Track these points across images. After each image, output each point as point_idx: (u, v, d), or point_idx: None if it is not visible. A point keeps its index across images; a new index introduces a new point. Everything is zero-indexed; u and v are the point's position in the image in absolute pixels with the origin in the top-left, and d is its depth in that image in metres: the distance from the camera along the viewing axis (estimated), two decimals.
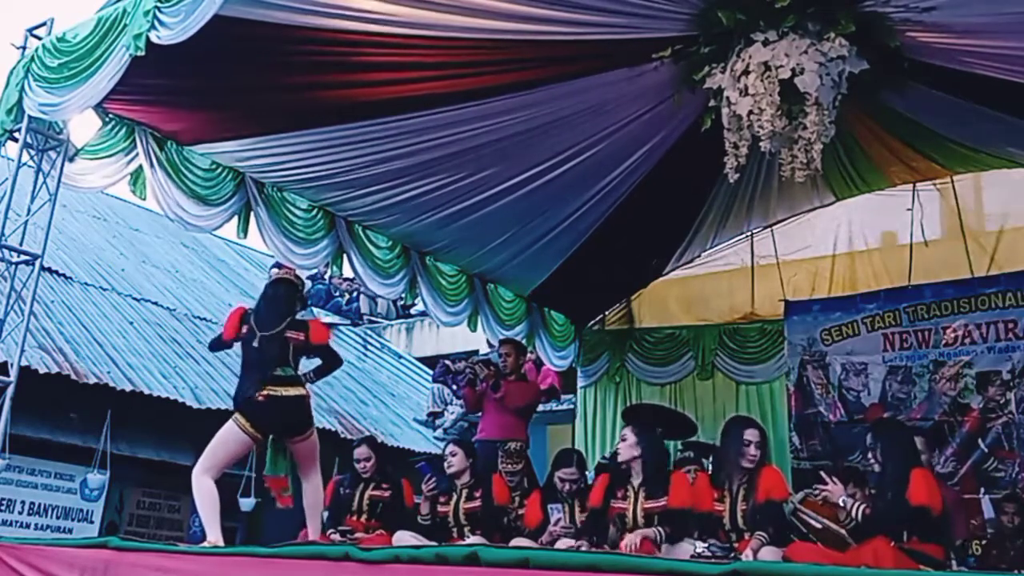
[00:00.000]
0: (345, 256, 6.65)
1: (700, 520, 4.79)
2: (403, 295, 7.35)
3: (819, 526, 4.91)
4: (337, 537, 5.24)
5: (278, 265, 5.99)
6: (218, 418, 9.04)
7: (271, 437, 5.06)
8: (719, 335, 7.90)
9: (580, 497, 5.48)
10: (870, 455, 4.70)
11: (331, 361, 5.35)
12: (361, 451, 5.91)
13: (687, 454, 6.23)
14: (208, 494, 4.72)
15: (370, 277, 6.83)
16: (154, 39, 4.34)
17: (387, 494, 5.76)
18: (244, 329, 5.04)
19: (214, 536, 4.60)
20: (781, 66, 4.48)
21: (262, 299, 5.27)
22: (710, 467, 5.65)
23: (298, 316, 5.27)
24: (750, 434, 4.79)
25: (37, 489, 8.26)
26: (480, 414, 7.17)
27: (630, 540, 4.53)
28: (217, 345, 5.44)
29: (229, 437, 4.85)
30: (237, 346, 5.18)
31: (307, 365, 5.30)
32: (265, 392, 4.85)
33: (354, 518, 5.68)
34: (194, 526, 9.31)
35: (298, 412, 5.01)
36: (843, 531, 4.79)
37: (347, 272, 7.78)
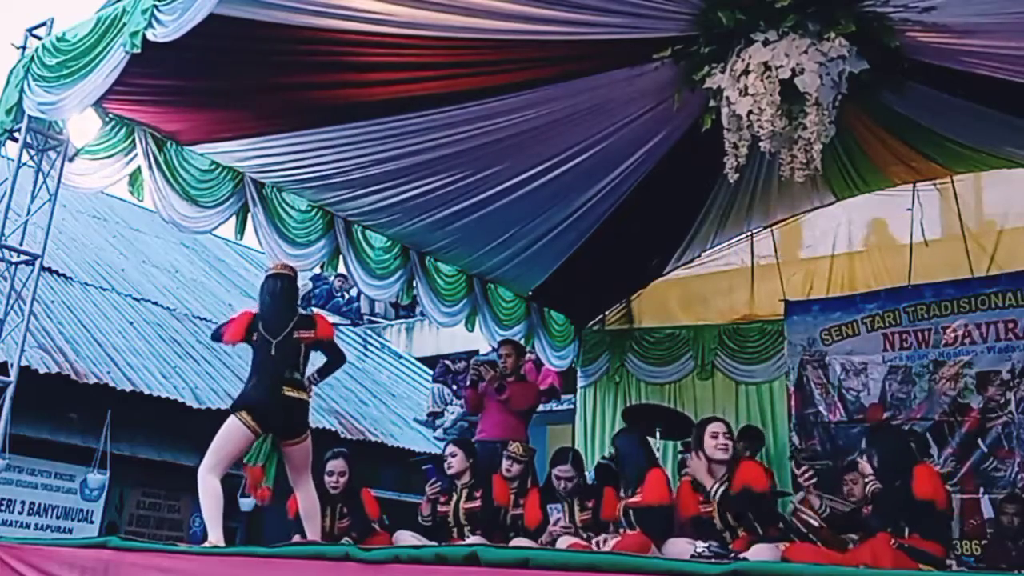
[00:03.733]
0: (341, 257, 6.65)
1: (693, 524, 4.79)
2: (399, 296, 7.34)
3: (818, 525, 4.92)
4: None
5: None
6: (218, 418, 8.98)
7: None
8: (719, 335, 7.90)
9: (579, 496, 5.47)
10: (865, 458, 4.73)
11: (337, 357, 5.25)
12: (337, 464, 5.59)
13: (687, 456, 6.24)
14: (213, 493, 4.68)
15: (364, 279, 6.83)
16: (150, 37, 4.34)
17: (346, 523, 5.51)
18: (255, 336, 4.93)
19: (215, 536, 4.58)
20: (781, 66, 4.48)
21: (266, 301, 5.08)
22: None
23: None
24: (714, 427, 4.78)
25: (37, 489, 8.26)
26: (479, 415, 7.17)
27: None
28: (216, 338, 5.27)
29: (233, 434, 4.79)
30: (238, 344, 5.14)
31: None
32: (264, 390, 4.82)
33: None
34: (194, 526, 9.31)
35: (298, 415, 4.96)
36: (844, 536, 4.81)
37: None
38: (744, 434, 6.55)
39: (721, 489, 4.67)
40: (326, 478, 5.53)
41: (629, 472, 5.02)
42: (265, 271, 5.31)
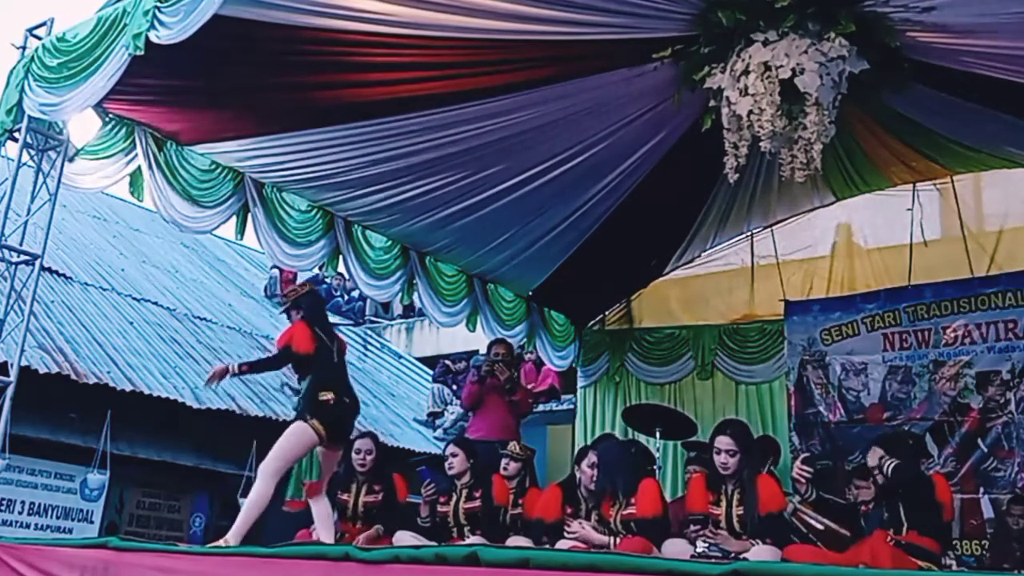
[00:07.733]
0: (341, 258, 6.65)
1: (697, 521, 4.79)
2: (399, 296, 7.33)
3: (819, 526, 4.91)
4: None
5: (277, 267, 5.99)
6: (218, 418, 9.13)
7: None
8: (719, 335, 7.90)
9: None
10: (876, 470, 4.73)
11: None
12: (364, 443, 5.74)
13: (690, 455, 6.23)
14: (264, 499, 4.74)
15: (364, 279, 6.84)
16: (153, 39, 4.34)
17: (379, 498, 5.65)
18: (316, 341, 5.06)
19: (235, 537, 4.63)
20: (781, 66, 4.48)
21: (323, 313, 5.32)
22: None
23: None
24: (719, 442, 4.69)
25: (37, 489, 8.25)
26: (472, 413, 7.13)
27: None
28: (289, 359, 5.10)
29: (303, 440, 4.88)
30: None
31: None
32: (331, 396, 4.94)
33: (349, 524, 5.62)
34: (194, 526, 9.31)
35: (352, 421, 5.18)
36: (843, 530, 4.81)
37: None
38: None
39: (736, 495, 4.65)
40: (353, 456, 5.66)
41: (616, 482, 5.00)
42: (302, 285, 5.51)
